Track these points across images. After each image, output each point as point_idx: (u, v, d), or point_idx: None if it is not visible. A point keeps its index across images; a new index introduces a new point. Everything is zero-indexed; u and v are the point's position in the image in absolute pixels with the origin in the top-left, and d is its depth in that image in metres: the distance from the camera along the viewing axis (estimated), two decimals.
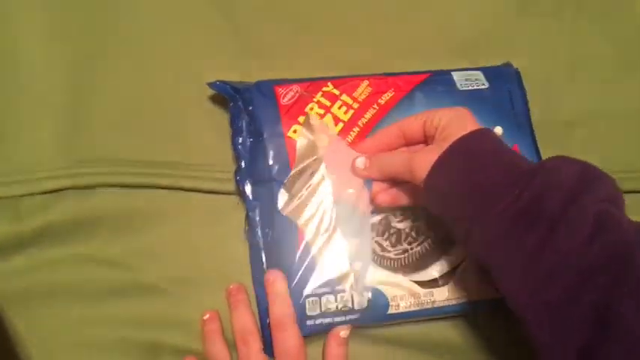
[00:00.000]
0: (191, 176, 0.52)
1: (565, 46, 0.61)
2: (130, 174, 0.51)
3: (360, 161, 0.48)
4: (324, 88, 0.51)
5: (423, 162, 0.42)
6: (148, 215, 0.51)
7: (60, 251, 0.50)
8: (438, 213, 0.44)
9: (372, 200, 0.49)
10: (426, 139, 0.46)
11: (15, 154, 0.51)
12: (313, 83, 0.51)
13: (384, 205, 0.49)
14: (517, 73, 0.56)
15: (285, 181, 0.48)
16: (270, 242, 0.48)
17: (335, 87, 0.51)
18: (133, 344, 0.48)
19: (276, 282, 0.47)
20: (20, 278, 0.49)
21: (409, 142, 0.48)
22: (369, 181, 0.49)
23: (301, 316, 0.46)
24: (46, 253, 0.50)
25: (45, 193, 0.50)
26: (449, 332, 0.51)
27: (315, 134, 0.49)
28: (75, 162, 0.51)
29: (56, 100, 0.53)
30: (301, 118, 0.50)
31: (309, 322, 0.47)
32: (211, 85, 0.52)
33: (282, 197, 0.48)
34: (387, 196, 0.48)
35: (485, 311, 0.51)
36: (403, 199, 0.48)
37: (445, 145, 0.41)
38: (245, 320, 0.48)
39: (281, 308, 0.46)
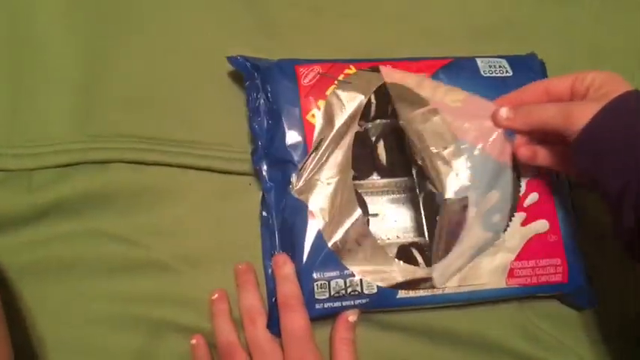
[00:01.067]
0: (204, 155, 0.51)
1: (587, 36, 0.60)
2: (143, 150, 0.51)
3: (505, 110, 0.46)
4: (346, 71, 0.50)
5: (582, 111, 0.41)
6: (160, 193, 0.51)
7: (71, 226, 0.49)
8: (586, 170, 0.42)
9: (515, 152, 0.48)
10: (573, 98, 0.46)
11: (29, 127, 0.51)
12: (335, 65, 0.51)
13: (524, 160, 0.48)
14: (542, 64, 0.55)
15: (301, 163, 0.48)
16: (283, 224, 0.48)
17: (357, 69, 0.50)
18: (142, 321, 0.48)
19: (285, 265, 0.47)
20: (31, 252, 0.49)
21: (552, 100, 0.47)
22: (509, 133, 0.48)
23: (310, 299, 0.46)
24: (57, 227, 0.49)
25: (57, 167, 0.50)
26: (452, 321, 0.51)
27: (334, 113, 0.49)
28: (88, 137, 0.51)
29: (71, 74, 0.53)
30: (320, 102, 0.49)
31: (317, 306, 0.46)
32: (231, 59, 0.51)
33: (296, 179, 0.48)
34: (528, 151, 0.47)
35: (492, 301, 0.51)
36: (543, 158, 0.47)
37: (605, 101, 0.40)
38: (252, 300, 0.48)
39: (289, 290, 0.46)
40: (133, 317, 0.48)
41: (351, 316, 0.47)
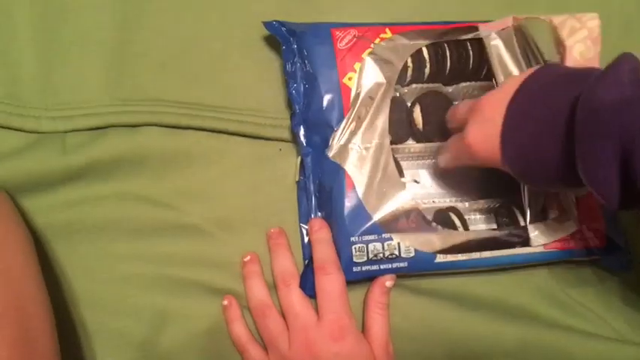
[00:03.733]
0: (236, 120, 0.51)
1: (623, 8, 0.59)
2: (174, 114, 0.50)
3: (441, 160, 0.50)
4: (382, 35, 0.50)
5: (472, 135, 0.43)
6: (191, 157, 0.51)
7: (104, 188, 0.50)
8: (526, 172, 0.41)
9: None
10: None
11: (62, 90, 0.51)
12: (371, 28, 0.50)
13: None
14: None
15: (337, 126, 0.48)
16: (320, 188, 0.48)
17: (393, 34, 0.50)
18: (173, 282, 0.48)
19: (321, 229, 0.47)
20: (64, 212, 0.49)
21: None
22: None
23: (347, 262, 0.46)
24: (89, 189, 0.49)
25: (90, 129, 0.50)
26: (481, 287, 0.51)
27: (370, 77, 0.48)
28: (120, 100, 0.51)
29: (103, 37, 0.52)
30: (357, 65, 0.49)
31: (355, 269, 0.46)
32: (267, 24, 0.50)
33: (334, 142, 0.48)
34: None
35: (523, 267, 0.51)
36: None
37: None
38: (285, 262, 0.48)
39: (325, 253, 0.46)
40: (163, 278, 0.49)
41: (388, 281, 0.47)
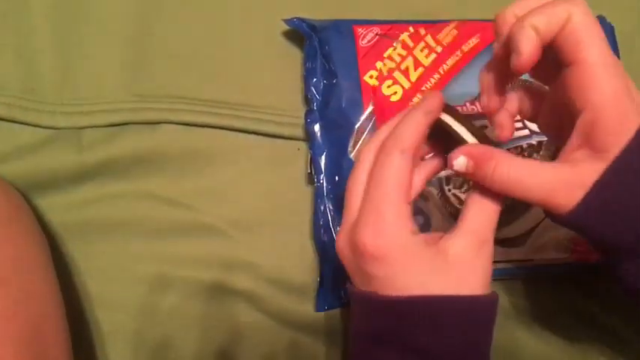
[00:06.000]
0: (255, 118, 0.50)
1: None
2: (193, 112, 0.50)
3: (462, 160, 0.35)
4: (406, 33, 0.48)
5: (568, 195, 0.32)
6: (209, 155, 0.50)
7: (120, 186, 0.49)
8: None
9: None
10: None
11: (79, 85, 0.50)
12: (394, 26, 0.49)
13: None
14: (611, 28, 0.53)
15: (358, 125, 0.46)
16: (337, 188, 0.47)
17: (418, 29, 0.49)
18: (189, 283, 0.48)
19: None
20: (80, 211, 0.48)
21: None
22: None
23: None
24: (106, 187, 0.49)
25: (107, 126, 0.49)
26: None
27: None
28: (138, 96, 0.50)
29: (122, 31, 0.52)
30: (378, 64, 0.48)
31: None
32: (288, 21, 0.50)
33: (354, 142, 0.47)
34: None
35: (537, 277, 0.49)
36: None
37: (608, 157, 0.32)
38: (409, 130, 0.35)
39: (398, 128, 0.36)
40: (181, 279, 0.48)
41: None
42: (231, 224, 0.49)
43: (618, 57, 0.51)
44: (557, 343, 0.49)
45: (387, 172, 0.34)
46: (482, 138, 0.36)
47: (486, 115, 0.38)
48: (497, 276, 0.48)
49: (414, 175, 0.37)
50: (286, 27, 0.51)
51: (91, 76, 0.50)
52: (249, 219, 0.49)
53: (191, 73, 0.51)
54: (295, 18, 0.50)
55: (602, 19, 0.53)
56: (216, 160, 0.50)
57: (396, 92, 0.47)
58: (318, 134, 0.48)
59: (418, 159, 0.38)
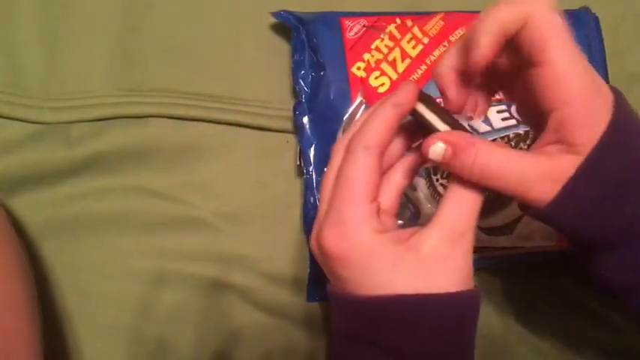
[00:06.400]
0: (244, 111, 0.50)
1: None
2: (181, 105, 0.49)
3: (439, 147, 0.33)
4: (392, 24, 0.49)
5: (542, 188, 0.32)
6: (198, 149, 0.50)
7: (110, 181, 0.49)
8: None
9: None
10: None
11: (66, 80, 0.50)
12: (381, 18, 0.49)
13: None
14: (596, 20, 0.53)
15: (346, 117, 0.47)
16: None
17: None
18: (180, 276, 0.48)
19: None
20: (69, 206, 0.48)
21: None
22: None
23: None
24: (95, 181, 0.49)
25: (95, 120, 0.49)
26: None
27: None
28: (126, 90, 0.50)
29: (110, 24, 0.51)
30: (366, 55, 0.48)
31: None
32: (275, 14, 0.50)
33: (342, 133, 0.46)
34: None
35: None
36: None
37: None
38: (375, 127, 0.34)
39: (363, 127, 0.35)
40: (172, 273, 0.48)
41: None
42: (222, 217, 0.49)
43: (603, 48, 0.51)
44: (547, 331, 0.50)
45: (350, 170, 0.34)
46: (459, 129, 0.34)
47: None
48: (486, 265, 0.48)
49: (395, 171, 0.37)
50: (274, 20, 0.50)
51: (78, 71, 0.50)
52: (240, 212, 0.49)
53: (179, 67, 0.51)
54: (282, 11, 0.50)
55: (586, 10, 0.53)
56: (206, 153, 0.50)
57: (383, 83, 0.48)
58: (307, 126, 0.48)
59: (396, 154, 0.37)
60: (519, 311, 0.50)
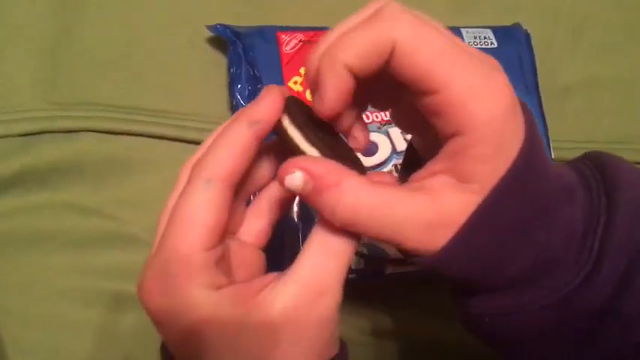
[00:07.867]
0: (177, 125, 0.49)
1: (570, 7, 0.59)
2: (112, 119, 0.48)
3: (299, 177, 0.26)
4: None
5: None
6: (130, 164, 0.49)
7: (39, 197, 0.47)
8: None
9: None
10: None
11: None
12: (317, 33, 0.49)
13: None
14: (527, 36, 0.54)
15: None
16: None
17: None
18: (112, 295, 0.47)
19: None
20: None
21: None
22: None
23: None
24: (24, 197, 0.47)
25: (23, 135, 0.47)
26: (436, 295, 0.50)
27: None
28: (55, 104, 0.48)
29: (38, 38, 0.50)
30: (302, 70, 0.48)
31: None
32: (211, 28, 0.49)
33: None
34: None
35: None
36: None
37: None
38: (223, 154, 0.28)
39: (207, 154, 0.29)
40: (104, 291, 0.46)
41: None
42: (154, 233, 0.48)
43: (534, 63, 0.53)
44: None
45: (186, 207, 0.27)
46: (331, 152, 0.27)
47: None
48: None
49: (261, 200, 0.32)
50: (210, 33, 0.50)
51: (5, 84, 0.48)
52: None
53: (111, 80, 0.50)
54: (219, 24, 0.49)
55: (518, 26, 0.54)
56: (137, 168, 0.49)
57: None
58: None
59: (265, 176, 0.31)
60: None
